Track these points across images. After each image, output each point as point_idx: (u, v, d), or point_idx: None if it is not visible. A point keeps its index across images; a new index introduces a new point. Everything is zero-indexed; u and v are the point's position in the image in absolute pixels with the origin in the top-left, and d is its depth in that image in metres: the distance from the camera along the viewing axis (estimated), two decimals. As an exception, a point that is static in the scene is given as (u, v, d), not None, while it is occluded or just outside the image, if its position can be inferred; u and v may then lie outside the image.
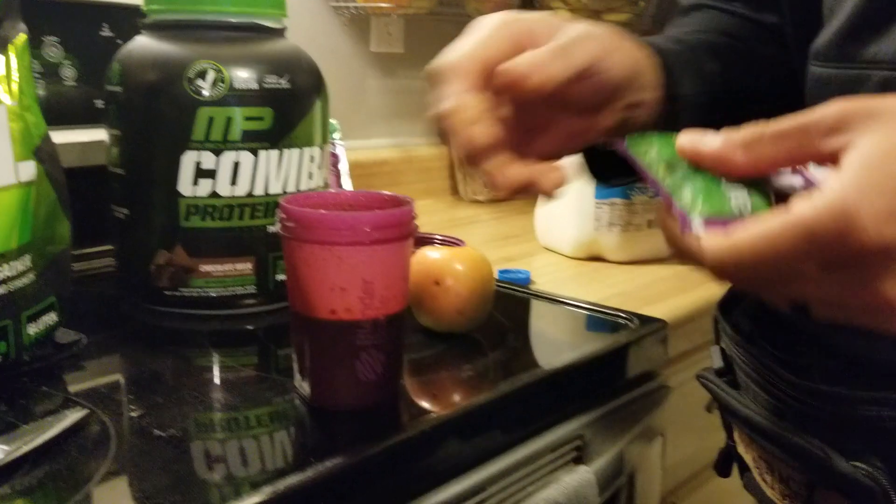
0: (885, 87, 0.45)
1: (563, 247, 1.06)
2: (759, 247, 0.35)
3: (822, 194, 0.34)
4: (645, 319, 0.78)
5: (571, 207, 1.04)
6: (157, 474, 0.49)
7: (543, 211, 1.11)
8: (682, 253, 0.39)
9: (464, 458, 0.59)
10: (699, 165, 0.41)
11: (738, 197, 0.40)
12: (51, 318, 0.64)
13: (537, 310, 0.85)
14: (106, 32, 0.92)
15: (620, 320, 0.78)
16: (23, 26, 0.62)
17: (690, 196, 0.40)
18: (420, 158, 1.41)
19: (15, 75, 0.61)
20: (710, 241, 0.37)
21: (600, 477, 0.63)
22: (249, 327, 0.74)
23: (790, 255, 0.35)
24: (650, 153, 0.43)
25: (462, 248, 0.75)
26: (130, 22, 0.94)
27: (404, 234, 0.56)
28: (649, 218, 1.04)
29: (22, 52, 0.61)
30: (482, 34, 0.48)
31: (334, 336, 0.55)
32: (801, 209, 0.34)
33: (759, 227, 0.35)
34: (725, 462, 0.62)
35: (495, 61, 0.46)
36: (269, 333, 0.74)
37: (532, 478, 0.62)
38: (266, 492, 0.47)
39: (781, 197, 0.40)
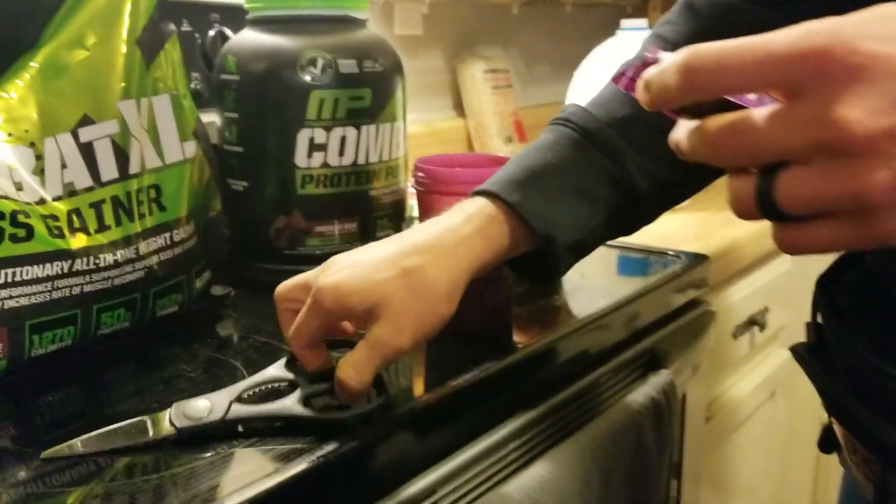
0: None
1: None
2: (733, 59, 0.31)
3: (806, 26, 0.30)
4: (689, 255, 0.92)
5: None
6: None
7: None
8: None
9: (564, 371, 0.72)
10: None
11: None
12: (208, 274, 0.75)
13: (594, 253, 0.98)
14: (185, 27, 1.02)
15: (669, 257, 0.92)
16: (172, 26, 0.73)
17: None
18: (441, 131, 1.53)
19: (172, 68, 0.71)
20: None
21: (676, 376, 0.76)
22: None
23: (768, 72, 0.31)
24: None
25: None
26: (205, 17, 1.05)
27: (519, 184, 0.68)
28: (670, 172, 1.17)
29: (174, 47, 0.72)
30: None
31: (468, 270, 0.68)
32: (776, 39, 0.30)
33: (720, 44, 0.31)
34: (826, 439, 0.62)
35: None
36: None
37: (622, 384, 0.75)
38: (437, 392, 0.59)
39: None
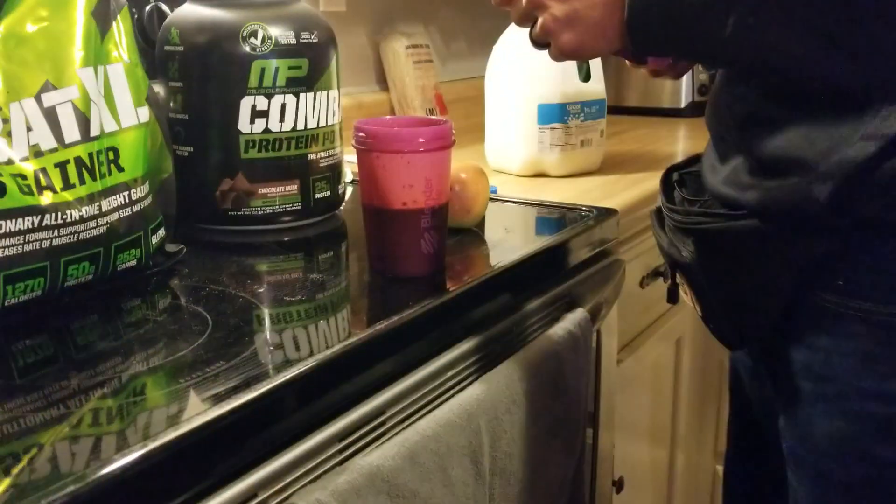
0: None
1: (513, 167, 1.29)
2: None
3: None
4: (600, 210, 1.02)
5: (518, 133, 1.26)
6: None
7: (492, 137, 1.32)
8: None
9: (494, 308, 0.81)
10: None
11: None
12: (162, 232, 0.81)
13: (515, 210, 1.07)
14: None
15: (583, 212, 1.02)
16: (123, 0, 0.78)
17: None
18: (367, 104, 1.59)
19: (124, 39, 0.76)
20: None
21: (592, 314, 0.86)
22: (302, 236, 0.93)
23: None
24: None
25: (464, 162, 0.95)
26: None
27: (449, 143, 0.76)
28: (582, 138, 1.27)
29: (125, 19, 0.77)
30: None
31: (405, 221, 0.76)
32: None
33: None
34: (672, 293, 0.86)
35: None
36: (322, 237, 0.93)
37: (544, 320, 0.85)
38: (383, 324, 0.67)
39: None
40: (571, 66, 1.25)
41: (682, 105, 1.90)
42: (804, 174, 0.63)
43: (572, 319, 0.84)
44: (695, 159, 0.86)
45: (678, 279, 0.80)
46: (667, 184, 0.84)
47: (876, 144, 0.60)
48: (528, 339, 0.80)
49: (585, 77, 1.26)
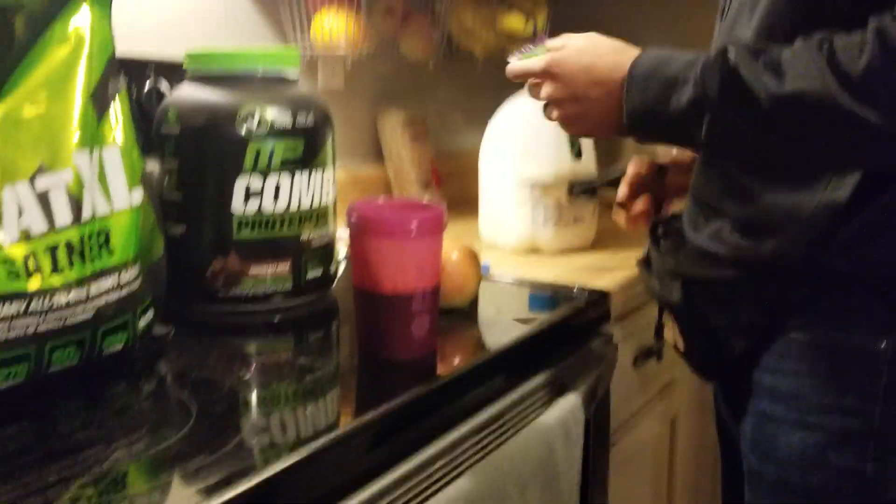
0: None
1: (506, 242, 1.29)
2: (519, 66, 0.88)
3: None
4: (592, 291, 1.02)
5: (512, 209, 1.27)
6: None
7: (486, 213, 1.33)
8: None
9: (484, 393, 0.80)
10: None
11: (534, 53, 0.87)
12: (151, 315, 0.80)
13: (507, 290, 1.07)
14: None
15: (575, 292, 1.01)
16: (121, 82, 0.78)
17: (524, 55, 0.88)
18: (363, 178, 1.61)
19: (121, 122, 0.77)
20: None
21: (584, 400, 0.85)
22: (292, 316, 0.92)
23: (528, 73, 0.86)
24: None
25: (456, 241, 0.95)
26: (141, 71, 1.10)
27: (441, 228, 0.77)
28: (575, 216, 1.28)
29: (123, 102, 0.78)
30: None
31: (396, 305, 0.75)
32: (538, 58, 0.85)
33: (522, 62, 0.88)
34: (658, 330, 0.97)
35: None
36: (313, 318, 0.93)
37: (535, 406, 0.84)
38: (369, 415, 0.66)
39: None
40: (565, 145, 1.27)
41: (675, 180, 1.92)
42: (777, 235, 0.76)
43: (563, 406, 0.83)
44: (675, 217, 0.97)
45: (664, 319, 0.91)
46: (654, 234, 0.96)
47: (830, 210, 0.73)
48: (518, 426, 0.79)
49: (577, 154, 1.28)
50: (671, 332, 0.90)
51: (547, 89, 0.84)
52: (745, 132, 0.73)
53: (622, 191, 1.03)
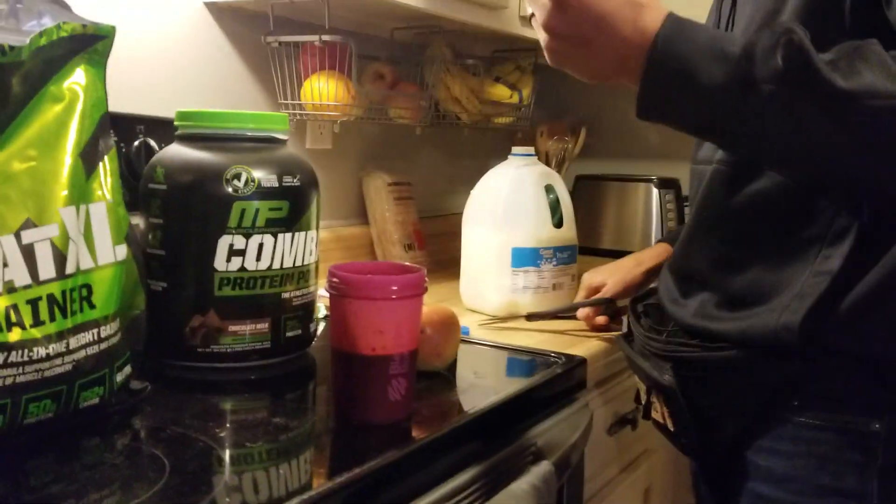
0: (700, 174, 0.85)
1: (486, 307, 1.30)
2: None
3: None
4: (569, 357, 1.03)
5: (492, 274, 1.29)
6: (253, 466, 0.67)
7: (467, 277, 1.35)
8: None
9: (459, 458, 0.80)
10: None
11: None
12: (128, 369, 0.80)
13: (485, 354, 1.08)
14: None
15: (552, 358, 1.03)
16: (112, 141, 0.80)
17: None
18: (346, 237, 1.62)
19: (109, 179, 0.78)
20: None
21: (558, 467, 0.85)
22: (270, 374, 0.92)
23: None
24: None
25: (436, 305, 0.96)
26: (132, 128, 1.12)
27: (421, 291, 0.78)
28: (555, 282, 1.30)
29: (112, 160, 0.79)
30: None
31: (374, 367, 0.76)
32: None
33: None
34: (637, 397, 0.98)
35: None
36: (291, 377, 0.93)
37: (509, 472, 0.84)
38: (342, 478, 0.66)
39: None
40: (546, 212, 1.29)
41: (654, 250, 1.95)
42: (769, 307, 0.75)
43: (537, 473, 0.83)
44: (652, 291, 1.00)
45: (653, 398, 0.89)
46: (634, 311, 0.97)
47: (826, 280, 0.72)
48: (492, 492, 0.79)
49: (558, 223, 1.30)
50: (660, 413, 0.89)
51: (550, 18, 0.71)
52: (799, 120, 0.65)
53: (584, 313, 1.21)
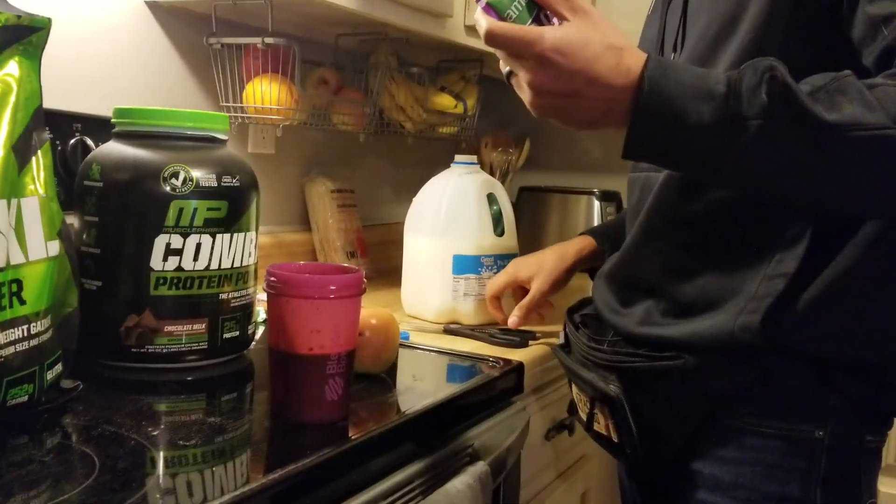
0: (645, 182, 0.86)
1: (427, 314, 1.31)
2: (501, 33, 0.69)
3: (538, 27, 0.70)
4: (507, 361, 1.04)
5: (434, 281, 1.30)
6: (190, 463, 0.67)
7: (409, 284, 1.35)
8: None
9: (395, 458, 0.80)
10: None
11: (516, 9, 0.71)
12: (59, 367, 0.79)
13: (424, 358, 1.08)
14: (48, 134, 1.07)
15: (490, 362, 1.04)
16: (46, 135, 0.79)
17: None
18: (288, 243, 1.61)
19: (42, 174, 0.77)
20: (480, 17, 0.70)
21: (493, 468, 0.86)
22: (207, 375, 0.91)
23: (512, 44, 0.69)
24: None
25: (376, 308, 0.97)
26: (68, 126, 1.10)
27: (359, 292, 0.78)
28: (495, 289, 1.31)
29: (46, 154, 0.78)
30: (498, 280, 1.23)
31: (311, 367, 0.76)
32: (525, 27, 0.70)
33: (504, 26, 0.70)
34: (570, 408, 1.00)
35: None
36: (227, 378, 0.92)
37: (445, 472, 0.84)
38: (277, 474, 0.66)
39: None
40: (487, 220, 1.31)
41: (594, 260, 1.99)
42: (722, 310, 0.76)
43: (473, 473, 0.84)
44: (587, 301, 1.00)
45: (595, 410, 0.88)
46: (571, 321, 0.96)
47: (782, 282, 0.74)
48: (427, 491, 0.80)
49: (500, 232, 1.32)
50: (603, 425, 0.88)
51: (535, 76, 0.70)
52: (788, 154, 0.67)
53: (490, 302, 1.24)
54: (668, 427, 0.83)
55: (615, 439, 0.86)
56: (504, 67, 0.75)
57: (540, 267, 1.22)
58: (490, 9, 0.71)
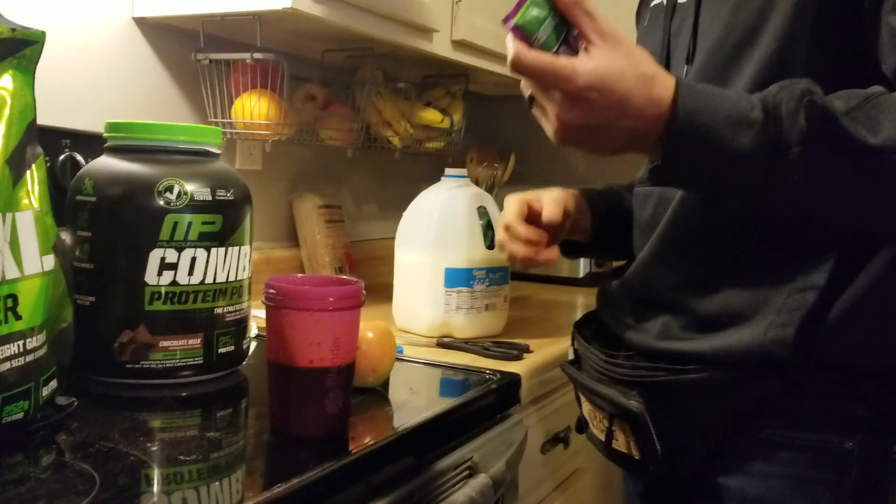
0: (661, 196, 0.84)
1: (420, 327, 1.30)
2: (530, 63, 0.67)
3: (570, 59, 0.68)
4: (503, 374, 1.04)
5: (425, 294, 1.29)
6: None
7: (400, 298, 1.35)
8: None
9: (396, 472, 0.80)
10: None
11: (545, 31, 0.68)
12: (54, 383, 0.77)
13: (420, 371, 1.08)
14: (34, 150, 1.06)
15: (486, 375, 1.03)
16: (40, 149, 0.78)
17: (522, 11, 0.68)
18: (276, 259, 1.61)
19: (37, 188, 0.76)
20: (510, 42, 0.68)
21: (495, 480, 0.86)
22: (202, 391, 0.90)
23: (543, 77, 0.67)
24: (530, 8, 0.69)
25: (372, 321, 0.96)
26: (57, 142, 1.09)
27: (358, 304, 0.78)
28: (487, 303, 1.31)
29: (40, 168, 0.77)
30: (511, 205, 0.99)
31: (311, 379, 0.75)
32: (557, 59, 0.67)
33: (534, 55, 0.67)
34: (578, 426, 0.97)
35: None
36: (223, 393, 0.91)
37: (446, 485, 0.84)
38: (278, 489, 0.65)
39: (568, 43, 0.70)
40: (478, 233, 1.31)
41: (581, 275, 1.99)
42: (751, 324, 0.75)
43: (475, 486, 0.83)
44: (592, 315, 0.98)
45: (614, 427, 0.85)
46: (583, 336, 0.93)
47: (814, 294, 0.73)
48: (430, 504, 0.79)
49: (490, 244, 1.32)
50: (622, 442, 0.85)
51: (566, 111, 0.68)
52: (831, 179, 0.66)
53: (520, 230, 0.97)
54: (692, 442, 0.81)
55: (637, 457, 0.84)
56: (525, 91, 0.73)
57: (542, 192, 1.02)
58: (518, 31, 0.67)
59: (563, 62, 0.67)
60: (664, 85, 0.69)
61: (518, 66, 0.68)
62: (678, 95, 0.68)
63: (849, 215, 0.70)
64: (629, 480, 1.00)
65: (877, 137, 0.65)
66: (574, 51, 0.69)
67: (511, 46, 0.68)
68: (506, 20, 0.68)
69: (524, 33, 0.68)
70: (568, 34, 0.70)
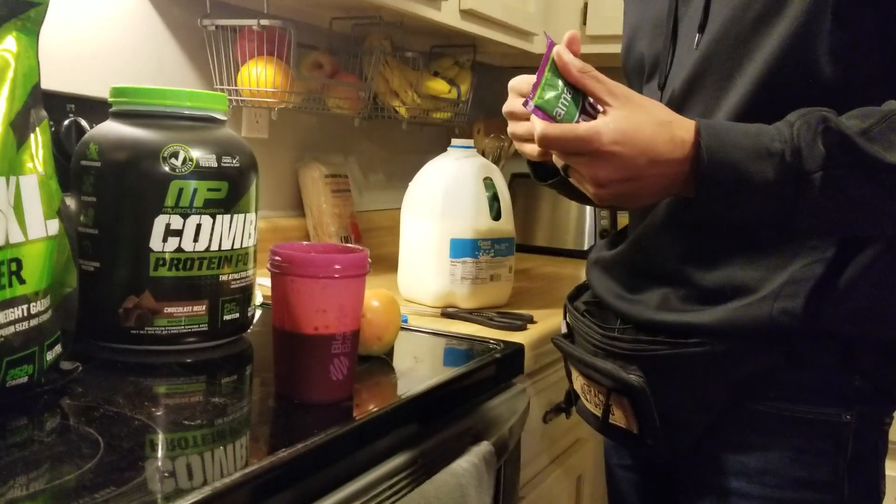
0: None
1: (425, 298, 1.30)
2: (556, 136, 0.71)
3: (590, 123, 0.71)
4: (507, 343, 1.04)
5: (431, 265, 1.29)
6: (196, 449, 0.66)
7: (405, 268, 1.34)
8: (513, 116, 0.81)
9: (400, 438, 0.80)
10: (560, 69, 0.73)
11: (563, 106, 0.72)
12: (59, 348, 0.78)
13: (424, 340, 1.08)
14: (39, 115, 1.05)
15: (490, 345, 1.03)
16: (44, 113, 0.77)
17: (539, 93, 0.72)
18: (282, 228, 1.60)
19: (41, 151, 0.76)
20: (535, 121, 0.72)
21: (498, 448, 0.86)
22: (207, 357, 0.91)
23: (570, 146, 0.71)
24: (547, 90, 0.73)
25: (377, 290, 0.96)
26: (62, 106, 1.09)
27: (364, 271, 0.77)
28: (492, 273, 1.31)
29: (44, 132, 0.77)
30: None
31: (316, 346, 0.75)
32: (578, 127, 0.70)
33: (558, 128, 0.71)
34: (567, 400, 0.99)
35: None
36: (228, 360, 0.91)
37: (449, 452, 0.84)
38: (285, 453, 0.65)
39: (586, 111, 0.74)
40: (485, 204, 1.30)
41: (585, 247, 1.99)
42: (757, 296, 0.75)
43: (477, 452, 0.83)
44: (583, 288, 0.99)
45: (611, 402, 0.85)
46: (576, 309, 0.93)
47: (821, 266, 0.74)
48: (433, 470, 0.79)
49: (496, 216, 1.31)
50: (619, 416, 0.85)
51: (598, 170, 0.71)
52: (854, 198, 0.69)
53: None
54: (692, 416, 0.81)
55: (635, 431, 0.84)
56: (559, 162, 0.76)
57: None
58: (539, 111, 0.72)
59: (585, 127, 0.70)
60: (684, 127, 0.71)
61: (545, 141, 0.72)
62: (699, 135, 0.70)
63: (876, 227, 0.73)
64: (612, 453, 1.01)
65: (894, 155, 0.67)
66: (592, 116, 0.73)
67: (536, 125, 0.72)
68: (526, 102, 0.73)
69: (545, 112, 0.72)
70: (584, 102, 0.74)
